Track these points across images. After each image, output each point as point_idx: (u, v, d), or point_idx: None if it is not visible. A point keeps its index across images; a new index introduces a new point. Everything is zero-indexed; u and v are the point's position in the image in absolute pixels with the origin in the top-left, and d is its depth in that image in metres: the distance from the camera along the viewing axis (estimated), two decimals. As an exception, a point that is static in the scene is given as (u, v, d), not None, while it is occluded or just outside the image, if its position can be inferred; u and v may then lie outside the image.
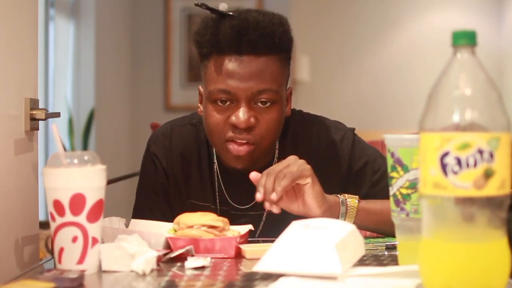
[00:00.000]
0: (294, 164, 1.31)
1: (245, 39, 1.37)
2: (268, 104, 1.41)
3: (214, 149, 1.54)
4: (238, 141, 1.41)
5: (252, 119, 1.40)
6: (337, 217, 1.36)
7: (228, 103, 1.41)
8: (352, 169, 1.54)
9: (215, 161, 1.55)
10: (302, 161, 1.32)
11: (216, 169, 1.55)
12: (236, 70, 1.38)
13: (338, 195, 1.39)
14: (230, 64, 1.39)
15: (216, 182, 1.55)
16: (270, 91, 1.40)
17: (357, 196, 1.40)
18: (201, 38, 1.44)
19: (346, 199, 1.37)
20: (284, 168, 1.30)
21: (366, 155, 1.55)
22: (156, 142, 1.59)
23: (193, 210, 1.52)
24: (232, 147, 1.42)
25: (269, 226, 1.53)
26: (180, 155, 1.57)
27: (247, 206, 1.54)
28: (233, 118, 1.40)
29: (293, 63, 5.07)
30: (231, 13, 1.41)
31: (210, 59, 1.42)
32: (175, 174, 1.57)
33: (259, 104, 1.41)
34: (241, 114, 1.39)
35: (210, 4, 1.43)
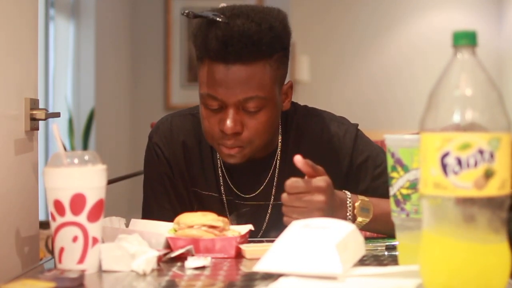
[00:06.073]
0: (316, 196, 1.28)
1: (230, 50, 1.37)
2: (256, 110, 1.41)
3: None
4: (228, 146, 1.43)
5: (238, 126, 1.40)
6: (346, 213, 1.37)
7: (217, 107, 1.42)
8: (353, 163, 1.55)
9: None
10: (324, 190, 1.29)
11: (219, 157, 1.55)
12: (223, 78, 1.39)
13: (348, 197, 1.39)
14: (218, 72, 1.39)
15: (220, 170, 1.56)
16: (256, 99, 1.40)
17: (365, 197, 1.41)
18: (195, 41, 1.45)
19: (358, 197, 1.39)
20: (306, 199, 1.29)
21: (368, 150, 1.56)
22: (157, 132, 1.60)
23: (197, 199, 1.53)
24: (223, 148, 1.44)
25: (277, 217, 1.52)
26: (181, 144, 1.58)
27: (252, 195, 1.54)
28: (221, 124, 1.41)
29: (293, 63, 5.10)
30: (219, 19, 1.38)
31: (203, 62, 1.44)
32: (178, 163, 1.58)
33: (247, 109, 1.41)
34: (228, 121, 1.40)
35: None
